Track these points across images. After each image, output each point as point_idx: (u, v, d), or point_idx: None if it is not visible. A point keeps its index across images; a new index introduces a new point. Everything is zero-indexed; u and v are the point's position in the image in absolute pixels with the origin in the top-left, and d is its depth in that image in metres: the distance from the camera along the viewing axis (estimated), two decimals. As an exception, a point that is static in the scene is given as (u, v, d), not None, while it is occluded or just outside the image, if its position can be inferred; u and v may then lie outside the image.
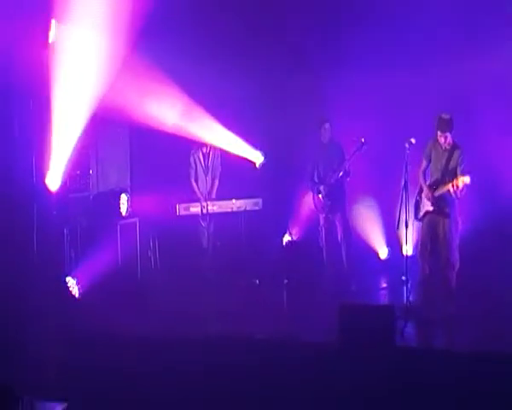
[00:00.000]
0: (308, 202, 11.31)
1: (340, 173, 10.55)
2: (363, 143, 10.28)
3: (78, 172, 10.79)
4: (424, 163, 9.37)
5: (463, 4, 10.46)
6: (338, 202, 10.74)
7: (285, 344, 8.38)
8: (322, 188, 10.70)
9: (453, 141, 9.15)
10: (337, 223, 10.77)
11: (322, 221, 10.89)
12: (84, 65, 10.31)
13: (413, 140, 9.09)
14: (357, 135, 10.49)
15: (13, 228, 8.95)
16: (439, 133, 9.13)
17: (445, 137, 9.10)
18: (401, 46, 11.15)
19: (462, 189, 8.91)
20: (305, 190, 11.27)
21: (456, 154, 9.13)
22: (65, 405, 6.50)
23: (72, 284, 9.96)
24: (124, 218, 11.16)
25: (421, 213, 9.30)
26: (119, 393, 7.07)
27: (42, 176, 9.52)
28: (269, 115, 11.75)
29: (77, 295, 9.98)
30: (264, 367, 7.56)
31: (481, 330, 8.83)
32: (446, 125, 9.09)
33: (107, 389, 7.14)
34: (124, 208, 11.15)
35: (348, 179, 10.69)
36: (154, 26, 10.53)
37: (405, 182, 9.10)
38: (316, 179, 10.82)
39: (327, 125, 10.77)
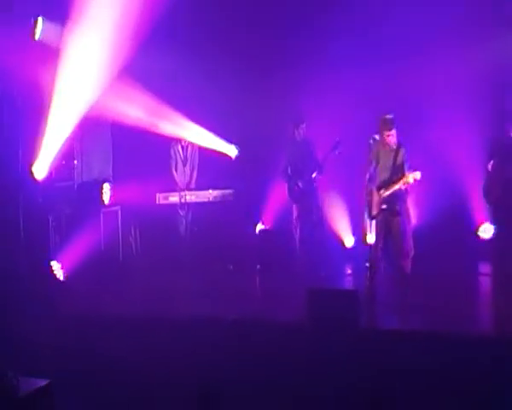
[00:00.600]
0: (281, 194, 11.36)
1: (314, 174, 10.60)
2: (338, 143, 10.32)
3: (64, 162, 10.79)
4: (373, 165, 9.31)
5: (408, 9, 10.53)
6: (311, 196, 10.79)
7: (257, 324, 8.39)
8: (297, 182, 10.73)
9: (398, 140, 9.17)
10: (309, 214, 10.81)
11: (295, 212, 10.92)
12: (80, 64, 10.33)
13: (377, 136, 9.16)
14: (327, 133, 10.57)
15: (2, 214, 8.91)
16: (386, 133, 9.11)
17: (392, 136, 9.10)
18: (368, 50, 11.27)
19: (413, 184, 8.97)
20: (279, 183, 11.30)
21: (402, 152, 9.15)
22: (48, 381, 6.52)
23: (56, 267, 9.96)
24: (106, 206, 11.21)
25: (375, 213, 9.24)
26: (102, 370, 7.09)
27: (28, 166, 9.49)
28: (244, 112, 11.73)
29: (61, 278, 9.98)
30: (238, 345, 7.62)
31: (435, 313, 8.89)
32: (392, 124, 9.11)
33: (90, 366, 7.15)
34: (106, 197, 11.19)
35: (321, 176, 10.73)
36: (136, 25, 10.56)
37: (370, 176, 9.18)
38: (290, 174, 10.83)
39: (303, 125, 10.82)
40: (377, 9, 11.00)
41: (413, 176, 8.90)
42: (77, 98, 10.50)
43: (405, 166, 9.09)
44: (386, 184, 9.14)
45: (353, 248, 11.61)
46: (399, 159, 9.15)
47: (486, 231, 11.28)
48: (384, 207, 9.15)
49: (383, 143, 9.21)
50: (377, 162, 9.29)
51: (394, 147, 9.18)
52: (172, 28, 11.18)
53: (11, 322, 7.99)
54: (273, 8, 11.21)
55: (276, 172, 11.32)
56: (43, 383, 6.53)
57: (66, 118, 10.45)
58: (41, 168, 9.94)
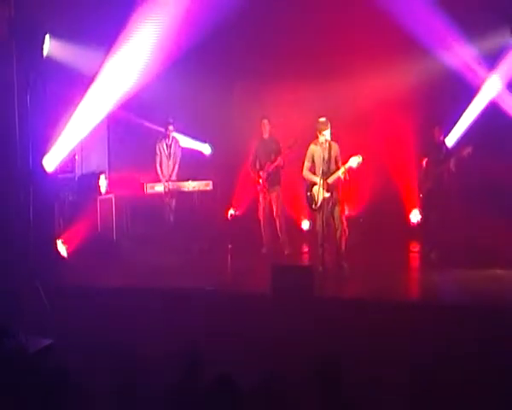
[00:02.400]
0: (249, 185, 11.36)
1: (275, 164, 10.60)
2: (294, 142, 10.34)
3: (75, 157, 10.92)
4: (307, 164, 9.37)
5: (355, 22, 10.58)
6: (274, 185, 10.74)
7: (229, 295, 8.44)
8: (262, 174, 10.73)
9: (331, 138, 9.23)
10: (273, 201, 10.79)
11: (261, 200, 10.91)
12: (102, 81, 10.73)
13: (320, 141, 9.20)
14: (289, 132, 10.60)
15: (13, 201, 8.85)
16: (323, 134, 9.17)
17: (325, 135, 9.17)
18: (321, 64, 11.35)
19: (349, 172, 9.02)
20: (248, 175, 11.29)
21: (334, 147, 9.24)
22: (51, 341, 6.51)
23: (60, 245, 9.92)
24: (102, 194, 11.13)
25: (318, 204, 9.23)
26: (98, 331, 7.05)
27: (39, 160, 9.43)
28: (219, 114, 11.71)
29: (65, 255, 9.93)
30: (212, 313, 7.62)
31: (373, 283, 9.05)
32: (325, 126, 9.20)
33: (88, 328, 7.11)
34: (102, 187, 11.13)
35: (282, 168, 10.74)
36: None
37: (322, 170, 9.22)
38: (257, 167, 10.84)
39: (265, 121, 10.73)
40: (327, 23, 11.01)
41: (355, 159, 8.94)
42: (94, 109, 10.79)
43: (339, 158, 9.16)
44: (328, 175, 9.18)
45: (309, 230, 11.66)
46: (333, 153, 9.22)
47: (415, 216, 11.44)
48: (326, 195, 9.19)
49: (319, 141, 9.27)
50: (312, 161, 9.36)
51: (327, 145, 9.24)
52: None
53: (21, 291, 7.92)
54: (242, 29, 11.10)
55: (246, 166, 11.31)
56: (47, 342, 6.54)
57: (83, 124, 10.68)
58: (51, 162, 9.99)
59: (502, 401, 3.27)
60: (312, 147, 9.37)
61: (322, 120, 9.28)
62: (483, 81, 10.77)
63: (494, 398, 4.26)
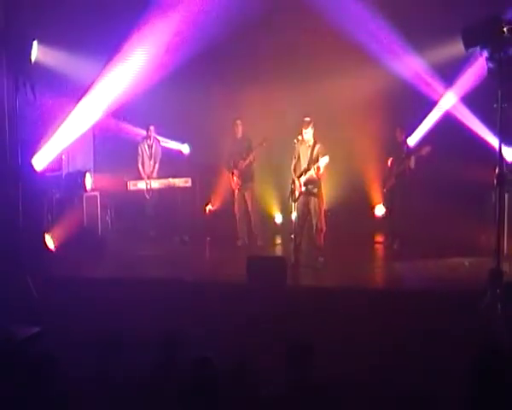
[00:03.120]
0: (225, 182, 11.36)
1: (247, 161, 10.60)
2: (263, 141, 10.33)
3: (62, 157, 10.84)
4: (294, 160, 9.33)
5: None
6: (248, 182, 10.78)
7: (207, 284, 8.41)
8: (235, 171, 10.73)
9: (314, 138, 9.21)
10: (247, 197, 10.81)
11: (236, 195, 10.91)
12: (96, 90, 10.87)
13: (300, 137, 9.22)
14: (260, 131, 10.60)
15: (3, 197, 8.76)
16: (304, 131, 9.15)
17: (308, 134, 9.14)
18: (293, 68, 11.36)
19: (322, 169, 9.02)
20: (223, 172, 11.29)
21: (317, 147, 9.20)
22: (38, 329, 6.45)
23: (48, 239, 9.83)
24: (88, 191, 11.04)
25: (296, 196, 9.20)
26: (84, 317, 7.01)
27: (28, 159, 9.35)
28: (198, 116, 11.68)
29: (52, 248, 9.86)
30: (191, 300, 7.62)
31: (342, 272, 9.16)
32: (308, 125, 9.17)
33: (74, 316, 7.07)
34: (88, 184, 11.05)
35: (254, 165, 10.75)
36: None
37: (294, 167, 9.24)
38: (231, 165, 10.83)
39: (238, 122, 10.75)
40: (299, 34, 11.03)
41: (323, 160, 8.95)
42: (83, 116, 10.88)
43: (320, 157, 9.10)
44: (304, 172, 9.19)
45: (282, 223, 11.68)
46: (315, 153, 9.19)
47: (380, 210, 11.52)
48: (303, 189, 9.20)
49: (302, 139, 9.26)
50: (298, 157, 9.34)
51: (311, 143, 9.22)
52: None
53: (11, 282, 7.85)
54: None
55: (222, 164, 11.30)
56: (35, 330, 6.48)
57: (72, 129, 10.70)
58: (40, 162, 9.92)
59: (460, 375, 3.30)
60: (297, 145, 9.33)
61: (307, 119, 9.24)
62: (438, 92, 10.95)
63: (452, 372, 4.31)
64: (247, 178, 10.73)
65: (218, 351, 4.01)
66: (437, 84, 10.91)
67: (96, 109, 11.16)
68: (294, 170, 9.36)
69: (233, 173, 10.73)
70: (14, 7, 9.08)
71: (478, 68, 8.85)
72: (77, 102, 10.80)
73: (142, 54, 11.16)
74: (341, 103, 11.17)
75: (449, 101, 10.91)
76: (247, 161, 10.60)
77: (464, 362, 3.51)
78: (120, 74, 11.07)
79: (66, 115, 10.65)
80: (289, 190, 9.29)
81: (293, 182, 9.30)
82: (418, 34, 10.34)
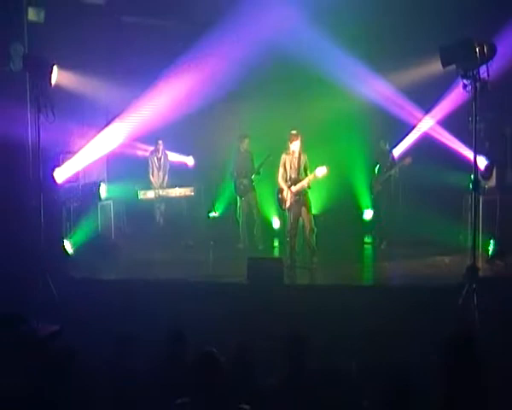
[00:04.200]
0: (228, 191, 11.37)
1: (253, 176, 10.62)
2: (268, 156, 10.30)
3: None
4: (281, 170, 9.27)
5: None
6: (251, 191, 10.79)
7: (211, 284, 8.44)
8: (241, 181, 10.72)
9: (300, 149, 9.17)
10: (251, 204, 10.81)
11: (239, 202, 10.89)
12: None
13: (291, 151, 9.18)
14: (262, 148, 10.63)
15: (27, 206, 8.78)
16: (294, 144, 9.10)
17: (295, 145, 9.09)
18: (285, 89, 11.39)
19: (319, 179, 9.01)
20: (227, 182, 11.31)
21: (304, 158, 9.17)
22: (58, 326, 6.43)
23: (67, 244, 9.84)
24: (102, 200, 11.04)
25: (288, 205, 9.21)
26: (99, 316, 7.02)
27: (49, 172, 9.39)
28: (202, 132, 11.70)
29: (71, 252, 9.86)
30: (196, 299, 7.63)
31: (334, 271, 9.13)
32: (295, 137, 9.14)
33: (92, 316, 7.06)
34: (102, 194, 11.04)
35: (258, 176, 10.75)
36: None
37: (291, 177, 9.19)
38: (236, 175, 10.81)
39: (247, 140, 10.80)
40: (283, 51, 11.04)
41: (321, 170, 8.90)
42: (107, 139, 11.12)
43: (307, 167, 9.10)
44: (296, 182, 9.15)
45: (279, 228, 11.68)
46: (302, 163, 9.16)
47: (368, 214, 11.53)
48: (297, 198, 9.17)
49: (290, 151, 9.20)
50: (284, 169, 9.28)
51: (297, 156, 9.17)
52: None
53: (34, 283, 7.86)
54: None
55: (224, 174, 11.32)
56: (55, 327, 6.46)
57: (97, 150, 10.93)
58: (61, 175, 9.94)
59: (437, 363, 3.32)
60: (284, 156, 9.29)
61: (294, 132, 9.22)
62: (416, 115, 11.04)
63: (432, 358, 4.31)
64: (250, 187, 10.75)
65: (221, 345, 4.00)
66: (414, 107, 10.98)
67: (120, 134, 11.35)
68: (281, 180, 9.31)
69: (240, 183, 10.74)
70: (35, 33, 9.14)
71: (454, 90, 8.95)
72: (100, 127, 11.02)
73: (166, 93, 11.26)
74: (331, 120, 11.19)
75: (428, 122, 11.01)
76: (253, 174, 10.63)
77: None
78: (145, 105, 11.36)
79: (91, 137, 10.81)
80: (277, 198, 9.31)
81: (281, 191, 9.27)
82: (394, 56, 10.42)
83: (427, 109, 10.89)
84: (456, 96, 9.19)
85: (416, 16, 10.32)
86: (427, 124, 10.99)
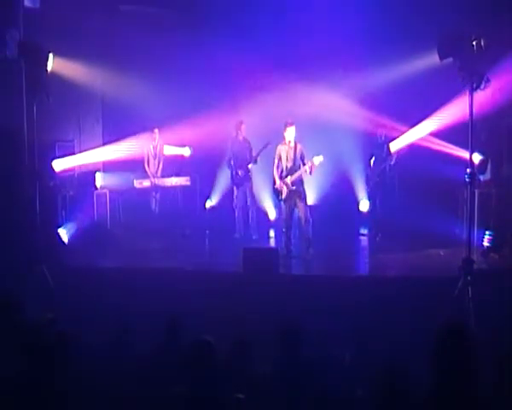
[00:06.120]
0: (225, 179, 11.38)
1: (250, 165, 10.62)
2: (267, 144, 10.30)
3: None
4: (276, 161, 9.25)
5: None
6: (247, 180, 10.79)
7: (207, 273, 8.44)
8: (238, 170, 10.73)
9: (295, 139, 9.16)
10: (246, 193, 10.80)
11: (236, 192, 10.89)
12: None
13: (286, 140, 9.18)
14: (259, 136, 10.60)
15: (23, 195, 8.77)
16: (286, 130, 9.07)
17: (290, 133, 9.05)
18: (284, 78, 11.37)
19: (315, 168, 8.99)
20: (223, 171, 11.32)
21: (299, 147, 9.14)
22: (53, 314, 6.43)
23: (62, 233, 9.85)
24: (98, 189, 11.05)
25: (284, 196, 9.21)
26: (93, 302, 7.06)
27: (44, 160, 9.35)
28: (199, 121, 11.68)
29: (66, 241, 9.87)
30: (192, 288, 7.63)
31: (329, 262, 9.19)
32: (290, 124, 9.10)
33: (87, 305, 7.08)
34: (98, 183, 11.05)
35: (255, 165, 10.74)
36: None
37: (287, 167, 9.20)
38: (232, 164, 10.80)
39: (243, 126, 10.79)
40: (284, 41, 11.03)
41: (318, 159, 8.91)
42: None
43: (304, 156, 9.09)
44: (292, 172, 9.15)
45: (275, 219, 11.68)
46: (298, 153, 9.15)
47: (364, 205, 11.55)
48: (293, 188, 9.18)
49: (285, 140, 9.19)
50: (279, 159, 9.26)
51: (293, 144, 9.16)
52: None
53: (29, 271, 7.87)
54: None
55: (221, 163, 11.32)
56: (51, 315, 6.46)
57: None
58: (60, 165, 10.00)
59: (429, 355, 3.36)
60: (280, 147, 9.27)
61: (290, 120, 9.18)
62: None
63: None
64: (247, 176, 10.73)
65: (216, 334, 4.03)
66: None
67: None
68: (276, 170, 9.30)
69: (236, 173, 10.74)
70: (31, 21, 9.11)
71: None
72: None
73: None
74: (328, 110, 11.13)
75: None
76: (249, 163, 10.61)
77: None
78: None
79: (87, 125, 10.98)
80: (273, 188, 9.32)
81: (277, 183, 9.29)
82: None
83: (427, 109, 10.85)
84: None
85: (416, 16, 10.32)
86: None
